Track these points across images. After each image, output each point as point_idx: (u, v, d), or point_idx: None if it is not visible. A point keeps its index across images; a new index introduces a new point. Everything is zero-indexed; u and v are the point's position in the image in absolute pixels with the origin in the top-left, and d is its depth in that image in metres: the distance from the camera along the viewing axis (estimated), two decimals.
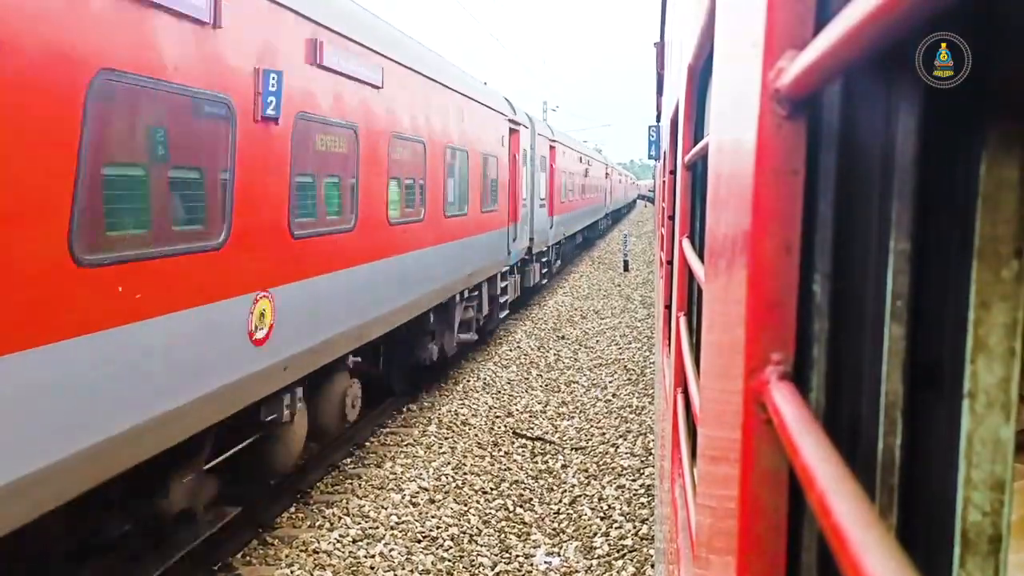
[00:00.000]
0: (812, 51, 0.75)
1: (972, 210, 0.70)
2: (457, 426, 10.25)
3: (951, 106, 0.73)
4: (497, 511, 7.75)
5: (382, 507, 7.65)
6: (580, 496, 8.13)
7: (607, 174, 47.11)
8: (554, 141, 22.99)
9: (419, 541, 7.02)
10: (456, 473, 8.63)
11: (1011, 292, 0.70)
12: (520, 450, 9.54)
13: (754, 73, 0.92)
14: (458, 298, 12.20)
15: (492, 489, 8.29)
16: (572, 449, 9.58)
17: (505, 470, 8.85)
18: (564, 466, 9.01)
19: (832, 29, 0.68)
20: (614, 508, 7.77)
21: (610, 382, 12.55)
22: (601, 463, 9.04)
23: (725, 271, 1.13)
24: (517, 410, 11.10)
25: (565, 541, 7.16)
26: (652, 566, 6.53)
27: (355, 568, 6.51)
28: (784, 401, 0.82)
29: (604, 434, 10.07)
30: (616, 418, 10.71)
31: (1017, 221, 0.69)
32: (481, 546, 7.01)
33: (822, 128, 0.88)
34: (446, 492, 8.11)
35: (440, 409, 10.93)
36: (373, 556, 6.71)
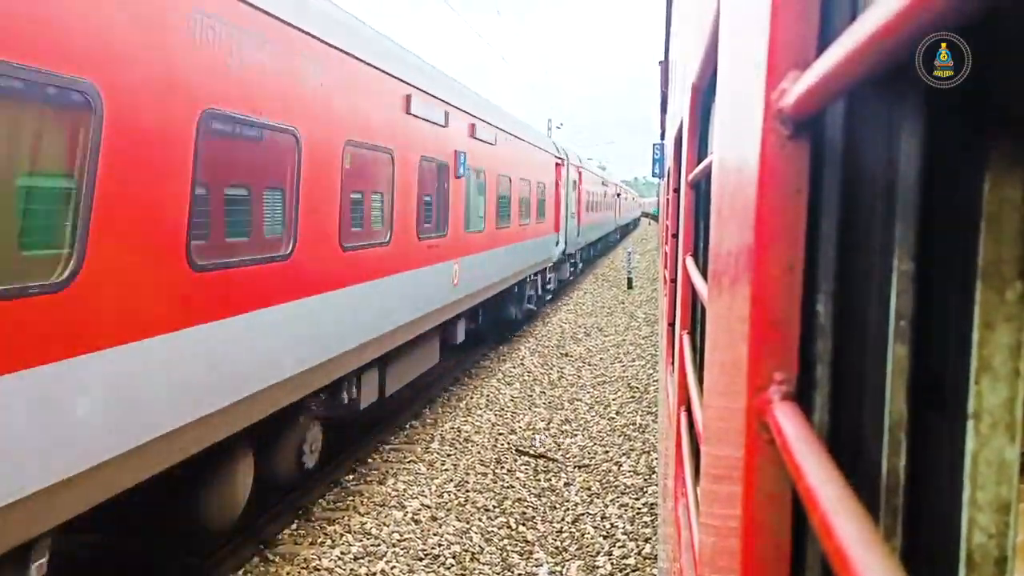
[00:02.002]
0: (815, 72, 0.75)
1: (975, 230, 0.70)
2: (460, 443, 10.21)
3: (954, 126, 0.73)
4: (499, 529, 7.71)
5: (384, 524, 7.61)
6: (583, 514, 8.08)
7: (617, 193, 52.72)
8: (581, 168, 28.27)
9: (421, 559, 6.98)
10: (458, 490, 8.59)
11: (1015, 313, 0.70)
12: (523, 468, 9.50)
13: (757, 93, 0.92)
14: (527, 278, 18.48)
15: (495, 507, 8.25)
16: (575, 467, 9.54)
17: (508, 488, 8.81)
18: (567, 484, 8.97)
19: (834, 50, 0.69)
20: (617, 527, 7.72)
21: (613, 400, 12.51)
22: (604, 481, 9.00)
23: (728, 289, 1.14)
24: (520, 427, 11.07)
25: (568, 560, 7.11)
26: None
27: None
28: (787, 421, 0.82)
29: (607, 452, 10.03)
30: (619, 436, 10.67)
31: (1021, 242, 0.69)
32: (483, 564, 6.97)
33: (825, 148, 0.88)
34: (448, 509, 8.07)
35: (443, 426, 10.90)
36: (375, 574, 6.66)
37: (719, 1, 1.52)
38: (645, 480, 8.92)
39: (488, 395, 12.61)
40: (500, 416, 11.56)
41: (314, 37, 6.55)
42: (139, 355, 4.49)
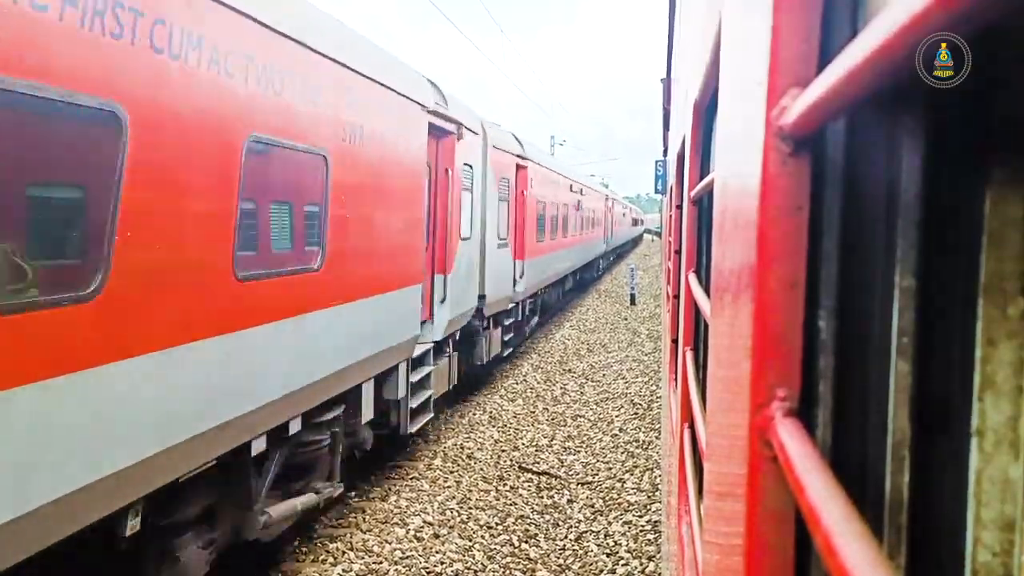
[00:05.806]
0: (815, 89, 0.76)
1: (977, 247, 0.70)
2: (462, 460, 10.17)
3: (955, 143, 0.74)
4: (502, 547, 7.66)
5: (386, 542, 7.57)
6: (586, 532, 8.03)
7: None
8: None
9: None
10: (461, 508, 8.55)
11: (1018, 329, 0.69)
12: (526, 485, 9.46)
13: (758, 111, 0.93)
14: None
15: (497, 524, 8.20)
16: (578, 484, 9.49)
17: (510, 505, 8.76)
18: (570, 501, 8.93)
19: (835, 68, 0.69)
20: (620, 544, 7.67)
21: (616, 416, 12.47)
22: (607, 498, 8.95)
23: (731, 306, 1.13)
24: (523, 444, 11.03)
25: None
26: None
27: None
28: (790, 438, 0.81)
29: (610, 469, 9.99)
30: (622, 453, 10.63)
31: (1023, 258, 0.69)
32: None
33: (826, 165, 0.88)
34: (451, 527, 8.03)
35: (446, 442, 10.86)
36: None
37: (720, 20, 1.53)
38: (649, 497, 8.88)
39: (491, 411, 12.58)
40: (503, 432, 11.52)
41: None
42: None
